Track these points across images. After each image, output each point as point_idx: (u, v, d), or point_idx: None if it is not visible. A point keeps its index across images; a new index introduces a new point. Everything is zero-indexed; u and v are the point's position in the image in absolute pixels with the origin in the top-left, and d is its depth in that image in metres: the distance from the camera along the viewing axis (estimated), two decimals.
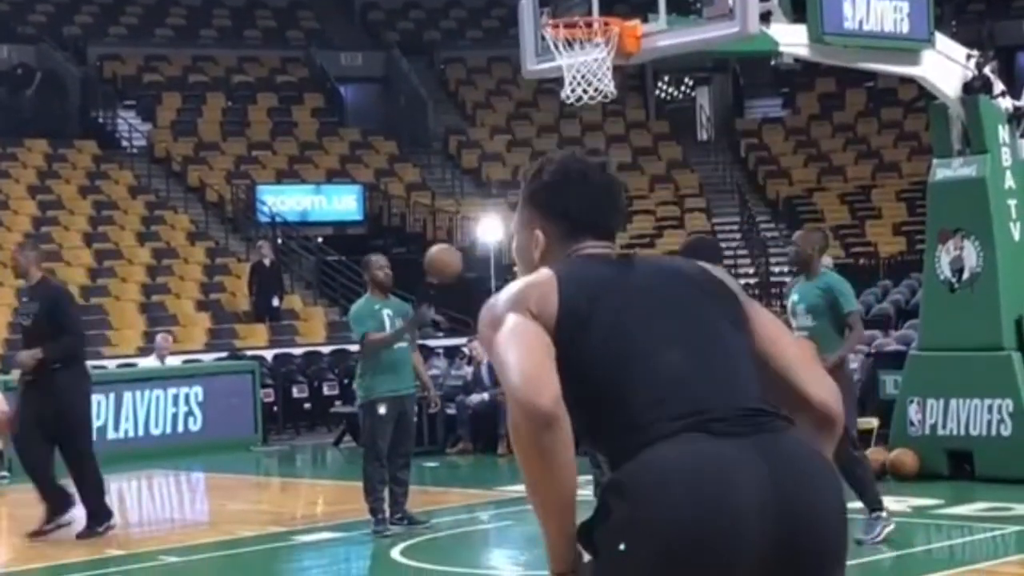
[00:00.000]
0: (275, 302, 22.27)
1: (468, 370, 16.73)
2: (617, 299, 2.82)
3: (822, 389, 2.87)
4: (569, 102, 10.17)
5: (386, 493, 10.49)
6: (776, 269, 25.60)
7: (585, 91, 9.74)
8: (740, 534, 2.56)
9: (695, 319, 2.83)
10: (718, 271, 3.00)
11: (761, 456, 2.62)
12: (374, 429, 10.43)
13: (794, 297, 9.44)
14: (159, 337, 18.53)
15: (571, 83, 9.71)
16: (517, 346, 2.71)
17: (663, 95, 35.39)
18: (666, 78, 34.99)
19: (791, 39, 11.04)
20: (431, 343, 20.41)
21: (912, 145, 29.19)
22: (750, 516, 2.57)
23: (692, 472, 2.59)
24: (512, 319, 2.76)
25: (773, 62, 11.37)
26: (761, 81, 33.13)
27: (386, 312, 10.44)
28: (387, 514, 10.47)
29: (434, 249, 10.52)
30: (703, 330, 2.82)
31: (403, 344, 10.46)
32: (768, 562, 2.59)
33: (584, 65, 9.64)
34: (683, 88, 35.92)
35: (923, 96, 28.16)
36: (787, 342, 2.94)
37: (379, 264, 10.71)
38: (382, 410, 10.30)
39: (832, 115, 31.11)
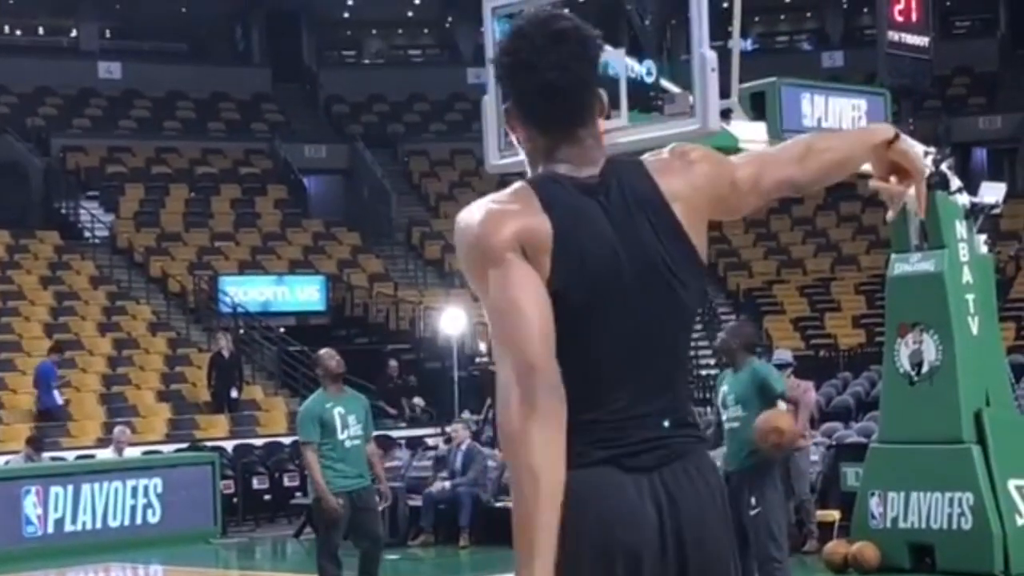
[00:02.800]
0: (233, 393, 22.19)
1: (443, 447, 16.77)
2: (594, 261, 2.75)
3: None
4: None
5: None
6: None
7: None
8: (642, 566, 2.77)
9: (649, 313, 2.79)
10: (671, 177, 2.86)
11: (653, 499, 2.78)
12: (326, 525, 10.38)
13: (724, 388, 9.59)
14: (117, 429, 18.39)
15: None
16: (516, 321, 2.65)
17: None
18: None
19: (751, 136, 11.18)
20: (394, 434, 20.35)
21: (870, 239, 29.50)
22: (645, 553, 2.77)
23: (600, 512, 2.74)
24: (494, 275, 2.66)
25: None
26: None
27: (337, 410, 10.35)
28: None
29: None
30: (655, 328, 2.81)
31: (356, 440, 10.40)
32: None
33: None
34: None
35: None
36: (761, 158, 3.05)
37: (330, 355, 10.68)
38: (334, 504, 10.23)
39: (791, 208, 31.42)
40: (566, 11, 2.83)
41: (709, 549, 2.83)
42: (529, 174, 2.88)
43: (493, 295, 2.69)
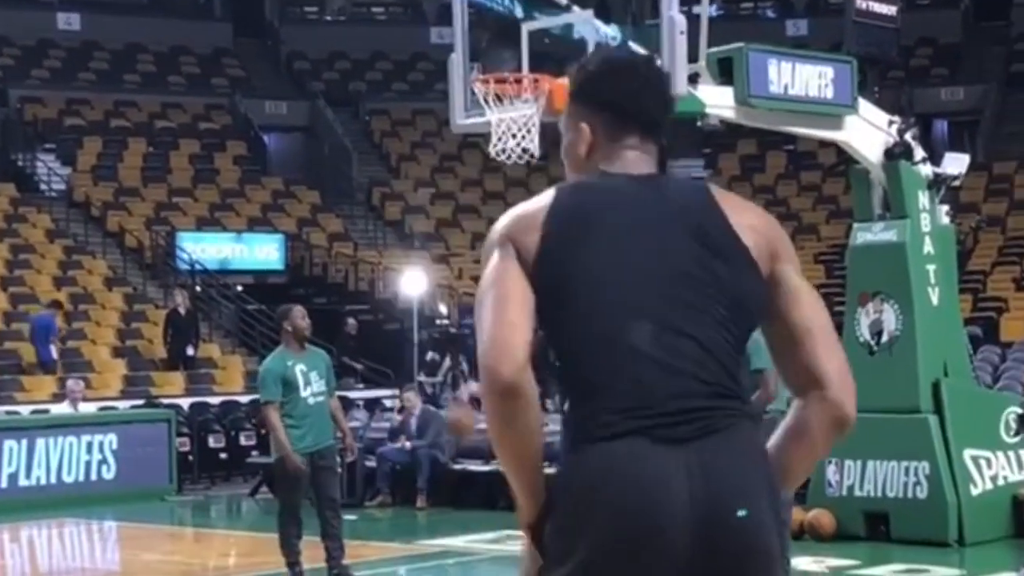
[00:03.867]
0: (189, 351, 22.07)
1: (396, 418, 16.69)
2: (604, 245, 2.77)
3: (838, 387, 2.90)
4: (498, 158, 10.19)
5: (302, 546, 10.39)
6: None
7: (513, 150, 9.77)
8: (664, 544, 2.64)
9: (680, 289, 2.76)
10: (748, 214, 2.87)
11: (687, 470, 2.65)
12: (287, 484, 10.33)
13: None
14: (71, 382, 18.26)
15: (499, 138, 9.73)
16: (492, 302, 2.74)
17: None
18: None
19: (717, 101, 11.16)
20: (351, 395, 20.29)
21: (831, 208, 29.59)
22: (674, 529, 2.64)
23: (621, 486, 2.64)
24: (495, 260, 2.79)
25: (699, 123, 11.47)
26: (683, 142, 33.42)
27: (299, 368, 10.30)
28: (303, 567, 10.36)
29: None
30: (682, 303, 2.75)
31: (319, 398, 10.35)
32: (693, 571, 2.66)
33: (513, 121, 9.67)
34: None
35: (842, 161, 28.64)
36: (811, 311, 2.88)
37: (301, 313, 10.62)
38: (297, 464, 10.19)
39: (753, 177, 31.47)
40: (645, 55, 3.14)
41: (749, 530, 2.68)
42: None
43: (488, 270, 2.81)
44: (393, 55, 35.44)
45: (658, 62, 3.00)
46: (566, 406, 2.77)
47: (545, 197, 2.86)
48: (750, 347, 9.28)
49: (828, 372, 2.87)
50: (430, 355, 21.60)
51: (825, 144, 28.91)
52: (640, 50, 3.07)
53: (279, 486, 10.73)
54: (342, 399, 17.75)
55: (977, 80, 31.91)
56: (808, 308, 2.88)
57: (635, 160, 2.90)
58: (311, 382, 10.31)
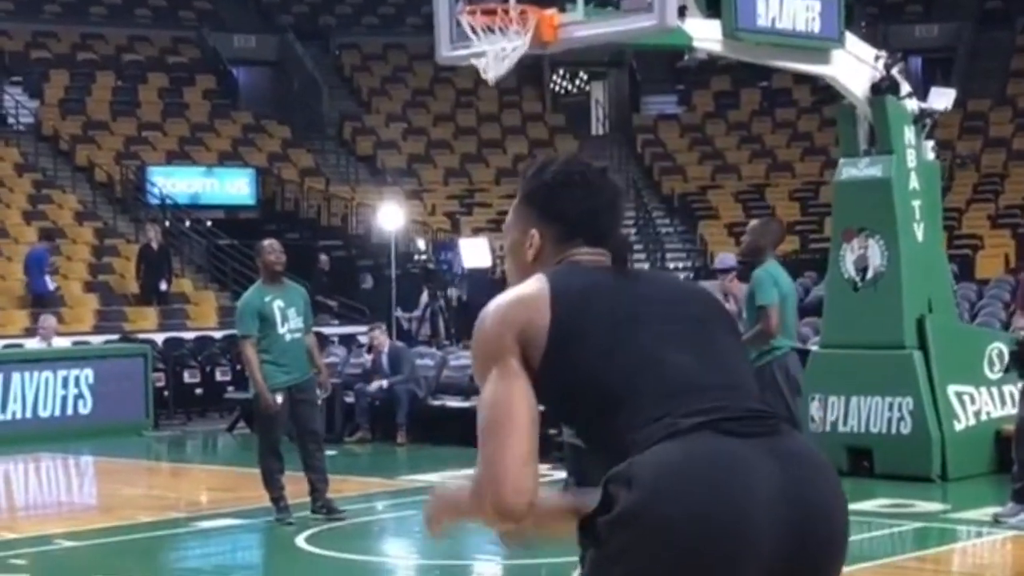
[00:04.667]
0: (162, 286, 21.94)
1: (367, 358, 16.59)
2: (616, 307, 2.77)
3: None
4: (488, 81, 10.10)
5: (284, 481, 10.35)
6: (671, 265, 25.78)
7: (493, 72, 9.68)
8: (750, 530, 2.54)
9: (696, 325, 2.82)
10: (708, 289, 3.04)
11: (771, 455, 2.59)
12: (267, 420, 10.27)
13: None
14: (42, 317, 18.12)
15: (492, 64, 9.64)
16: (498, 424, 2.66)
17: (558, 88, 35.46)
18: (561, 71, 35.08)
19: (704, 34, 11.07)
20: (326, 331, 20.22)
21: (805, 145, 29.57)
22: (760, 512, 2.54)
23: (704, 468, 2.55)
24: (494, 377, 2.70)
25: (686, 56, 11.38)
26: (657, 77, 33.33)
27: (276, 304, 10.21)
28: (288, 501, 10.32)
29: None
30: (705, 335, 2.81)
31: (296, 334, 10.27)
32: (778, 556, 2.56)
33: (505, 51, 9.58)
34: (577, 82, 36.04)
35: (820, 100, 28.63)
36: None
37: (271, 248, 10.49)
38: (279, 400, 10.14)
39: (727, 113, 31.39)
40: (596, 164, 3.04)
41: (840, 515, 2.69)
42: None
43: (490, 388, 2.72)
44: None
45: (611, 175, 3.00)
46: (604, 443, 2.68)
47: (537, 283, 2.79)
48: (754, 284, 9.12)
49: None
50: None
51: (800, 80, 28.87)
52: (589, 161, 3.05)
53: (257, 422, 10.68)
54: (317, 335, 17.76)
55: (951, 17, 31.86)
56: None
57: (598, 250, 2.92)
58: (288, 318, 10.22)
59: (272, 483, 10.31)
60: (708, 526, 2.51)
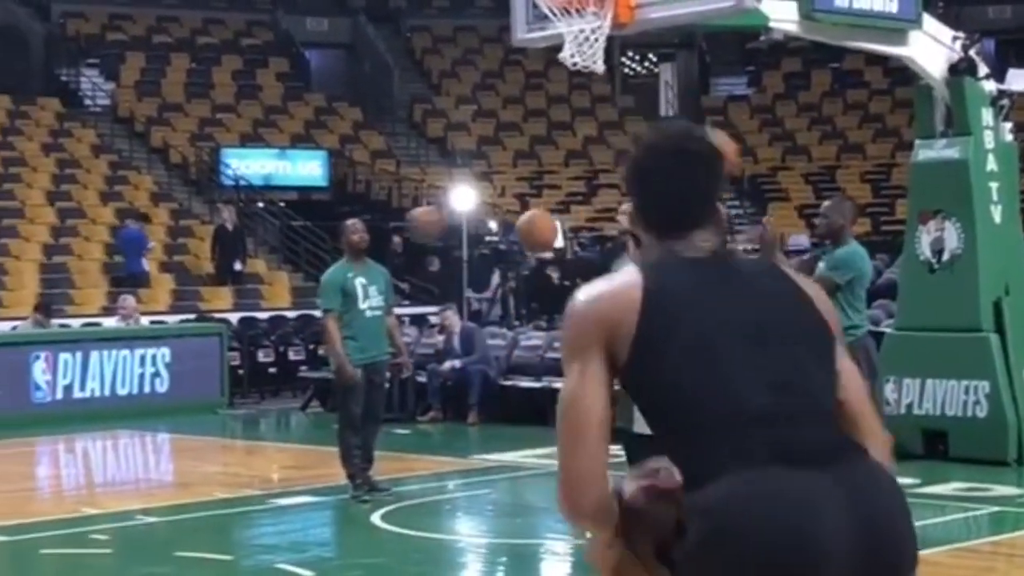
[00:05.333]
0: (237, 266, 22.15)
1: (439, 339, 16.69)
2: (705, 316, 2.74)
3: (878, 452, 2.82)
4: (573, 66, 10.14)
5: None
6: (741, 247, 25.66)
7: (581, 57, 9.72)
8: (820, 561, 2.57)
9: (784, 347, 2.76)
10: (813, 289, 2.90)
11: (839, 486, 2.62)
12: (346, 395, 10.40)
13: (820, 266, 9.50)
14: (122, 298, 18.37)
15: (572, 46, 9.67)
16: (572, 426, 2.71)
17: (628, 70, 35.38)
18: (631, 52, 35.00)
19: (782, 15, 11.04)
20: (399, 311, 20.30)
21: (876, 127, 29.35)
22: (829, 544, 2.58)
23: (773, 499, 2.58)
24: (575, 373, 2.74)
25: (762, 37, 11.36)
26: (727, 59, 33.18)
27: (359, 280, 10.35)
28: (358, 479, 10.43)
29: (417, 211, 10.53)
30: (790, 359, 2.75)
31: (376, 312, 10.40)
32: None
33: (583, 32, 9.61)
34: (647, 63, 35.94)
35: (893, 80, 28.38)
36: (857, 395, 2.89)
37: (355, 228, 10.64)
38: (352, 373, 10.25)
39: (798, 95, 31.21)
40: (698, 127, 2.98)
41: (908, 540, 2.72)
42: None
43: (570, 385, 2.75)
44: None
45: (708, 139, 2.91)
46: (680, 455, 2.69)
47: (631, 279, 2.78)
48: (837, 262, 9.04)
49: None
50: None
51: (872, 61, 28.64)
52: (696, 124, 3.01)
53: (338, 397, 10.79)
54: None
55: None
56: (855, 392, 2.89)
57: (699, 236, 2.86)
58: (370, 295, 10.36)
59: (350, 459, 10.44)
60: (777, 559, 2.56)
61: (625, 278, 2.78)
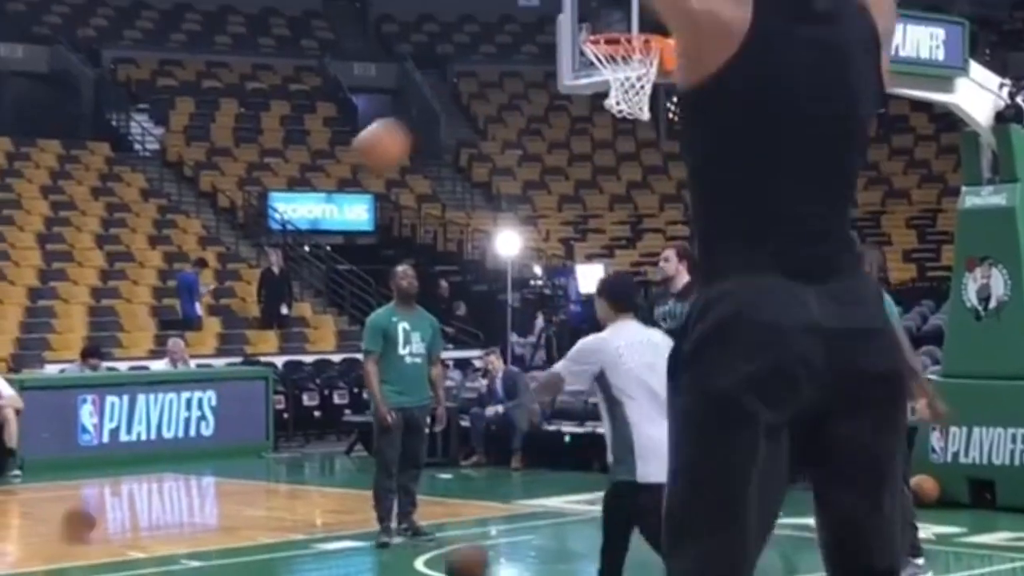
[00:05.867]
0: (283, 310, 22.29)
1: (483, 383, 16.72)
2: (792, 53, 2.85)
3: None
4: (614, 112, 10.18)
5: (394, 502, 10.46)
6: None
7: (627, 104, 9.76)
8: (793, 355, 2.83)
9: (832, 129, 2.88)
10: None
11: (824, 297, 2.85)
12: (381, 439, 10.42)
13: None
14: (172, 341, 18.48)
15: (618, 94, 9.72)
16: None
17: (673, 116, 35.46)
18: (675, 98, 35.04)
19: None
20: (443, 355, 20.35)
21: (922, 172, 29.25)
22: (802, 342, 2.84)
23: (764, 301, 2.83)
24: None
25: None
26: None
27: (403, 325, 10.37)
28: (393, 523, 10.43)
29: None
30: (827, 144, 2.87)
31: (417, 359, 10.40)
32: (822, 376, 2.85)
33: (629, 80, 9.66)
34: None
35: (939, 127, 28.30)
36: None
37: (404, 274, 10.70)
38: (386, 414, 10.26)
39: None
40: None
41: (878, 361, 2.90)
42: None
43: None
44: (481, 17, 35.42)
45: None
46: (712, 228, 2.92)
47: None
48: None
49: None
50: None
51: (917, 107, 28.57)
52: None
53: (375, 440, 10.80)
54: None
55: None
56: None
57: None
58: (411, 341, 10.36)
59: (381, 502, 10.43)
60: (760, 348, 2.82)
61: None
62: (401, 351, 10.35)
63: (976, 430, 11.67)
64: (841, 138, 2.90)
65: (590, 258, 25.26)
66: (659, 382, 5.85)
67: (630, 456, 6.65)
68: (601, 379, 6.82)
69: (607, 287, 7.33)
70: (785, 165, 2.85)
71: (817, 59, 2.85)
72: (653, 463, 6.33)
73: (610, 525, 6.84)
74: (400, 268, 10.89)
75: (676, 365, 2.90)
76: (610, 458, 6.80)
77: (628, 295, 7.26)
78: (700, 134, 2.91)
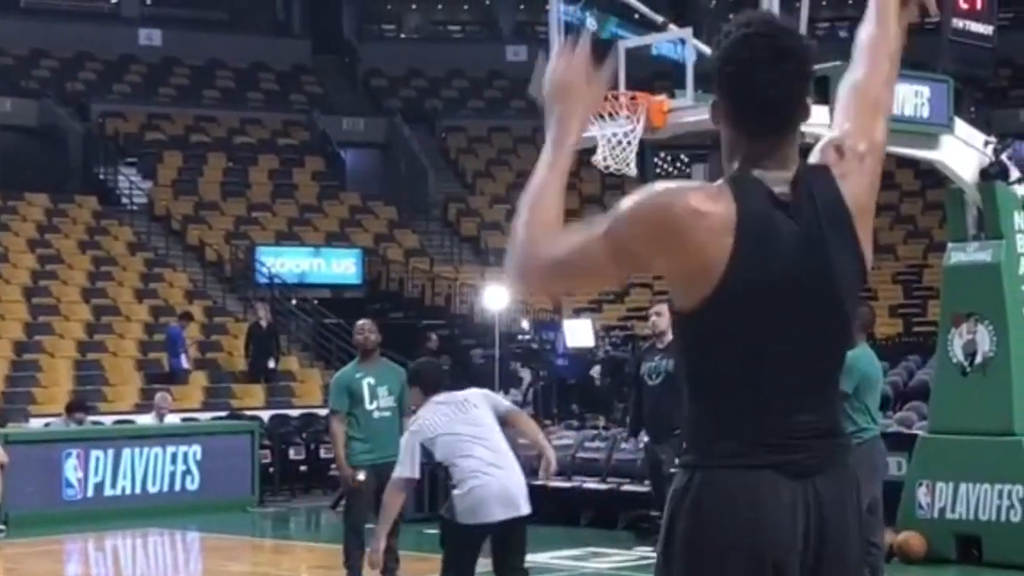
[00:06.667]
0: (271, 364, 22.25)
1: None
2: (774, 270, 2.83)
3: None
4: (605, 169, 10.24)
5: (365, 560, 10.35)
6: None
7: (614, 161, 9.82)
8: (776, 568, 2.85)
9: (818, 324, 2.87)
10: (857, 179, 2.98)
11: (806, 507, 2.86)
12: (351, 496, 10.36)
13: None
14: (159, 396, 18.39)
15: (604, 150, 9.78)
16: (577, 246, 2.90)
17: (660, 171, 35.58)
18: (662, 154, 35.23)
19: (814, 119, 11.03)
20: None
21: (908, 228, 29.37)
22: (787, 556, 2.85)
23: (752, 506, 2.83)
24: (610, 243, 2.86)
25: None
26: None
27: (367, 380, 10.23)
28: None
29: None
30: (818, 343, 2.88)
31: (386, 412, 10.32)
32: None
33: (616, 136, 9.72)
34: (679, 164, 36.16)
35: (924, 183, 28.45)
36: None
37: (360, 328, 10.57)
38: (360, 477, 10.18)
39: None
40: (790, 24, 2.95)
41: (847, 558, 2.93)
42: (723, 165, 2.96)
43: (600, 227, 2.87)
44: (469, 72, 35.60)
45: (797, 43, 2.88)
46: (706, 414, 2.90)
47: (723, 195, 2.81)
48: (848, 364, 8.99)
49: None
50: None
51: (903, 164, 28.70)
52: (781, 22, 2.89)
53: (346, 499, 10.72)
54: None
55: None
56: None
57: (781, 159, 2.90)
58: (378, 396, 10.24)
59: (351, 561, 10.34)
60: (755, 565, 2.84)
61: (716, 195, 2.80)
62: (368, 406, 10.22)
63: (963, 486, 11.67)
64: (829, 336, 2.91)
65: (578, 312, 25.27)
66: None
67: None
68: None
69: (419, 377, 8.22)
70: (772, 365, 2.87)
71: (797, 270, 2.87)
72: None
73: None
74: (359, 323, 10.77)
75: (669, 551, 2.92)
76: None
77: (437, 381, 8.18)
78: (693, 343, 2.93)
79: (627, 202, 2.83)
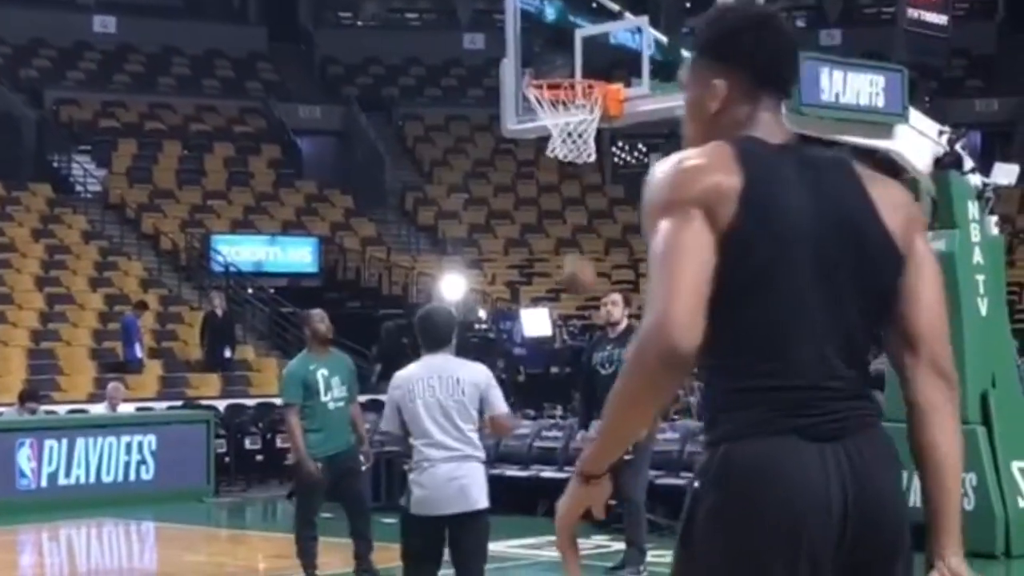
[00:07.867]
0: (226, 353, 22.14)
1: None
2: (789, 212, 2.77)
3: (929, 384, 3.06)
4: (558, 157, 10.23)
5: (318, 549, 10.33)
6: None
7: (570, 149, 9.80)
8: (809, 533, 2.79)
9: (834, 283, 2.81)
10: (892, 190, 2.91)
11: (840, 460, 2.81)
12: (306, 488, 10.32)
13: None
14: (111, 385, 18.29)
15: (559, 139, 9.76)
16: (671, 272, 2.71)
17: (617, 159, 35.63)
18: (620, 143, 35.28)
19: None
20: (383, 397, 20.27)
21: None
22: (819, 519, 2.79)
23: (779, 473, 2.77)
24: (671, 223, 2.72)
25: None
26: None
27: (321, 372, 10.19)
28: (316, 570, 10.32)
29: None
30: (835, 300, 2.82)
31: (339, 403, 10.28)
32: (831, 561, 2.82)
33: (570, 125, 9.70)
34: (636, 153, 36.22)
35: (880, 172, 28.51)
36: (926, 316, 3.04)
37: (321, 317, 10.53)
38: (318, 468, 10.15)
39: None
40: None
41: (888, 526, 2.93)
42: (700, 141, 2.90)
43: (658, 242, 2.75)
44: (426, 60, 35.52)
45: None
46: (725, 389, 2.84)
47: (718, 146, 2.80)
48: None
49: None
50: None
51: (860, 153, 28.84)
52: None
53: (296, 491, 10.68)
54: (371, 402, 17.80)
55: (1011, 92, 31.81)
56: (924, 310, 3.04)
57: (770, 123, 2.88)
58: (332, 387, 10.20)
59: (304, 552, 10.31)
60: (772, 531, 2.78)
61: (712, 146, 2.78)
62: (324, 398, 10.16)
63: (916, 475, 11.71)
64: (853, 300, 2.84)
65: (536, 302, 25.28)
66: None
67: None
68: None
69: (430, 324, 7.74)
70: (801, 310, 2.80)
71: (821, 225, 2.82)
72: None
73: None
74: (315, 312, 10.68)
75: (690, 531, 2.84)
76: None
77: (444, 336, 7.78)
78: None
79: (644, 200, 2.83)
